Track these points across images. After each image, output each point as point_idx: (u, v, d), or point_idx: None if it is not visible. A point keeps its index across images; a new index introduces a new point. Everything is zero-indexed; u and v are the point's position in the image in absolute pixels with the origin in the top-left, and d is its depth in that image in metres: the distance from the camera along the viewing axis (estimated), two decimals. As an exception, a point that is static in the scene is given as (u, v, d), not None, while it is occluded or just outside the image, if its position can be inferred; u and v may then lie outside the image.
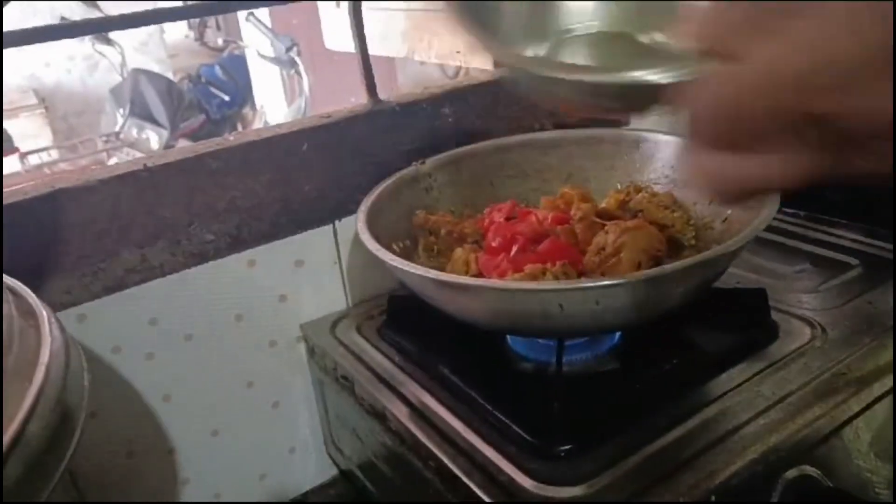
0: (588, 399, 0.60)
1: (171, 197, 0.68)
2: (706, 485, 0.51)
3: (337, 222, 0.77)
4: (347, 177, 0.77)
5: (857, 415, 0.59)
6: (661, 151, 0.76)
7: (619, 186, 0.77)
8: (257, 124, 3.17)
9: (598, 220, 0.67)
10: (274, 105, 3.09)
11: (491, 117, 0.86)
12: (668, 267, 0.52)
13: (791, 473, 0.55)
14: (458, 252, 0.66)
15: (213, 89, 3.38)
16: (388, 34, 1.18)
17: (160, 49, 3.98)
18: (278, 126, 0.75)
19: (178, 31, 4.43)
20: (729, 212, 0.67)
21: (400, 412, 0.63)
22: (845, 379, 0.60)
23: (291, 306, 0.76)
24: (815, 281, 0.75)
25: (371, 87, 0.79)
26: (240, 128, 3.38)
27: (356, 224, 0.66)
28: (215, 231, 0.71)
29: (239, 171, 0.71)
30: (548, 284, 0.51)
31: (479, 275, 0.63)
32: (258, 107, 3.30)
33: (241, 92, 3.39)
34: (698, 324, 0.68)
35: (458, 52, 1.05)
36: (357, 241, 0.77)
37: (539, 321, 0.55)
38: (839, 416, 0.58)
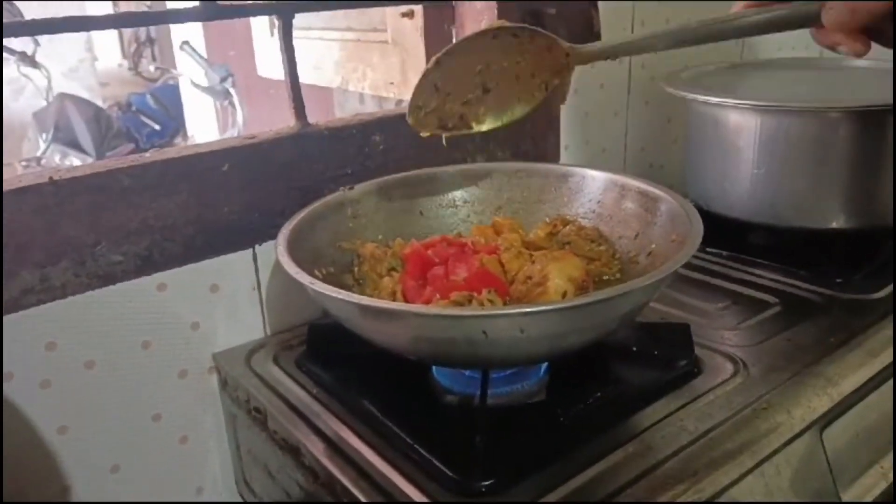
0: (512, 433, 0.58)
1: (77, 214, 0.64)
2: (628, 522, 0.50)
3: (257, 247, 0.74)
4: (270, 200, 0.74)
5: (776, 451, 0.59)
6: (587, 186, 0.76)
7: (547, 220, 0.77)
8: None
9: (525, 250, 0.66)
10: (206, 136, 3.04)
11: (422, 147, 0.85)
12: (592, 295, 0.51)
13: (712, 507, 0.54)
14: (386, 281, 0.64)
15: (143, 118, 3.30)
16: (321, 64, 1.17)
17: (90, 76, 3.87)
18: (198, 145, 0.72)
19: (111, 58, 4.34)
20: (653, 245, 0.67)
21: (315, 447, 0.59)
22: (766, 414, 0.60)
23: (204, 334, 0.72)
24: (736, 318, 0.76)
25: (299, 110, 0.77)
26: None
27: (276, 248, 0.63)
28: (124, 252, 0.67)
29: (153, 189, 0.67)
30: (472, 310, 0.50)
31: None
32: (190, 136, 3.23)
33: (173, 122, 3.32)
34: (624, 357, 0.67)
35: (391, 83, 1.04)
36: (278, 268, 0.73)
37: (464, 348, 0.53)
38: (760, 451, 0.58)
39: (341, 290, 0.53)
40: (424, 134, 0.63)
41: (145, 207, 0.67)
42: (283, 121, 0.78)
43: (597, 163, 1.05)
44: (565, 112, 0.98)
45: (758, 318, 0.75)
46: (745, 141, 0.85)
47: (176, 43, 2.93)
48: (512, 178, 0.80)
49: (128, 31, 4.40)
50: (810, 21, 0.45)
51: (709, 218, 0.90)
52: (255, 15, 0.71)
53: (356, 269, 0.70)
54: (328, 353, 0.70)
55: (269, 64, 1.25)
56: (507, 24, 0.58)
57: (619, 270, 0.69)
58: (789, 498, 0.59)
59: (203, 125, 3.07)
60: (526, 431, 0.58)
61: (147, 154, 0.69)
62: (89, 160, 2.93)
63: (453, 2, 0.94)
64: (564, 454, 0.55)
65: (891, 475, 0.67)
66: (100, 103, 3.49)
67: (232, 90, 2.61)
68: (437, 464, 0.55)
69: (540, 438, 0.58)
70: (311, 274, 0.65)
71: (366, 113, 0.84)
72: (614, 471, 0.54)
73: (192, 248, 0.70)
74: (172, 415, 0.72)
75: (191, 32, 2.86)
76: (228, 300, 0.73)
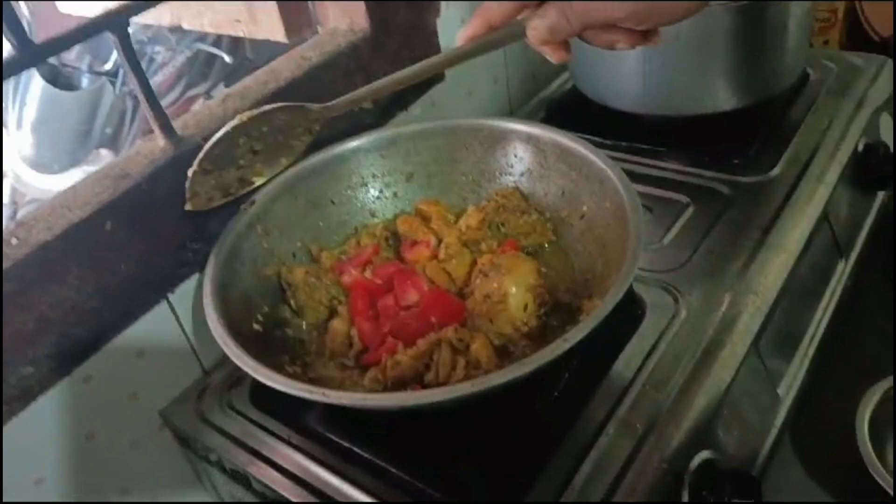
0: (500, 442, 0.60)
1: (-38, 344, 0.55)
2: (631, 507, 0.55)
3: (171, 296, 0.67)
4: (167, 240, 0.66)
5: (730, 384, 0.64)
6: (499, 140, 0.72)
7: (463, 179, 0.74)
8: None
9: (465, 249, 0.64)
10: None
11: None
12: (542, 356, 0.50)
13: (693, 463, 0.60)
14: (336, 325, 0.61)
15: None
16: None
17: None
18: (67, 208, 0.61)
19: None
20: (584, 207, 0.67)
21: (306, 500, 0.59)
22: (713, 349, 0.65)
23: (145, 401, 0.67)
24: (657, 231, 0.78)
25: (165, 127, 0.66)
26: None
27: (208, 322, 0.57)
28: (32, 360, 0.59)
29: (37, 282, 0.58)
30: (460, 389, 0.48)
31: (364, 350, 0.59)
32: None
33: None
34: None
35: (237, 21, 0.90)
36: (199, 303, 0.68)
37: (449, 407, 0.53)
38: (717, 390, 0.63)
39: (325, 391, 0.49)
40: (211, 206, 0.66)
41: (38, 304, 0.58)
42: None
43: (478, 65, 0.99)
44: (442, 24, 0.89)
45: (676, 227, 0.78)
46: (635, 39, 0.82)
47: None
48: (417, 140, 0.74)
49: None
50: (519, 38, 0.53)
51: (605, 111, 0.91)
52: (84, 39, 0.57)
53: (291, 300, 0.66)
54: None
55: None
56: (251, 114, 0.63)
57: (554, 232, 0.69)
58: (739, 414, 0.66)
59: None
60: (510, 437, 0.60)
61: (14, 241, 0.58)
62: None
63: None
64: (554, 453, 0.58)
65: (811, 351, 0.76)
66: None
67: None
68: (436, 494, 0.56)
69: (527, 440, 0.60)
70: (251, 327, 0.61)
71: (234, 95, 0.74)
72: (603, 461, 0.57)
73: (103, 324, 0.63)
74: (137, 484, 0.69)
75: None
76: (158, 359, 0.67)
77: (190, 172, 0.62)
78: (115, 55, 1.97)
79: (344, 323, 0.61)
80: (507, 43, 0.55)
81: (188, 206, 0.64)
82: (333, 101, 0.64)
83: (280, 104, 0.64)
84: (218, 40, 2.01)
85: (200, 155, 0.62)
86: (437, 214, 0.68)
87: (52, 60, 2.02)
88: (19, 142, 2.03)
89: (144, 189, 0.64)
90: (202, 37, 2.00)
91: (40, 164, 2.07)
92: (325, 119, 0.65)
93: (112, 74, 2.03)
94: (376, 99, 0.74)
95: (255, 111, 0.63)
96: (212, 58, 2.04)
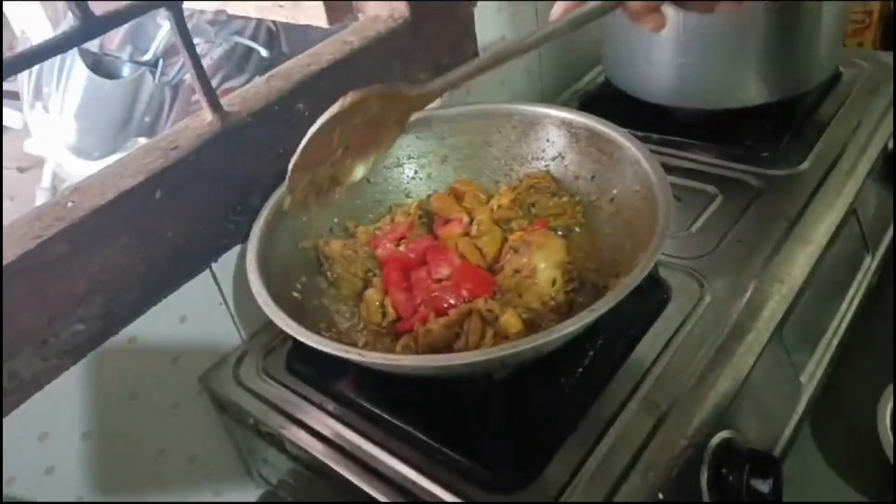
0: (522, 414, 0.61)
1: (20, 300, 0.58)
2: (651, 483, 0.56)
3: (213, 265, 0.70)
4: (212, 210, 0.69)
5: (752, 366, 0.66)
6: (533, 124, 0.74)
7: (496, 163, 0.76)
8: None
9: (496, 226, 0.66)
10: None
11: (346, 99, 0.79)
12: (585, 315, 0.52)
13: (714, 442, 0.61)
14: (371, 294, 0.63)
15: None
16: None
17: None
18: (119, 176, 0.64)
19: None
20: (614, 191, 0.68)
21: (343, 466, 0.61)
22: (737, 334, 0.66)
23: (185, 365, 0.70)
24: (685, 220, 0.80)
25: (214, 103, 0.69)
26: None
27: (252, 287, 0.60)
28: (82, 318, 0.62)
29: (89, 245, 0.61)
30: (491, 352, 0.50)
31: (397, 319, 0.61)
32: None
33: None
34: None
35: (280, 5, 0.93)
36: (240, 273, 0.71)
37: (480, 371, 0.55)
38: (739, 374, 0.64)
39: (361, 351, 0.52)
40: (307, 207, 0.61)
41: (88, 265, 0.61)
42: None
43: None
44: (478, 12, 0.92)
45: (704, 216, 0.80)
46: (668, 32, 0.83)
47: None
48: (452, 123, 0.76)
49: None
50: (609, 10, 0.53)
51: (637, 104, 0.92)
52: (141, 14, 0.61)
53: (328, 272, 0.68)
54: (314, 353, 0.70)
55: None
56: (357, 96, 0.55)
57: (583, 215, 0.71)
58: (772, 413, 0.67)
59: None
60: (534, 410, 0.62)
61: (69, 205, 0.61)
62: None
63: None
64: (576, 427, 0.60)
65: (835, 343, 0.77)
66: None
67: None
68: (464, 460, 0.58)
69: (550, 414, 0.62)
70: (290, 297, 0.64)
71: (278, 75, 0.76)
72: (624, 438, 0.58)
73: (148, 289, 0.66)
74: (175, 446, 0.72)
75: None
76: (200, 325, 0.70)
77: (290, 166, 0.57)
78: (154, 45, 2.02)
79: (378, 293, 0.63)
80: (597, 17, 0.53)
81: (285, 206, 0.60)
82: (428, 85, 0.57)
83: (377, 87, 0.56)
84: (255, 34, 2.06)
85: (300, 148, 0.57)
86: (470, 193, 0.70)
87: (94, 49, 2.08)
88: (62, 128, 2.09)
89: (192, 161, 0.67)
90: (240, 30, 2.05)
91: (81, 151, 2.13)
92: (418, 107, 0.59)
93: (152, 65, 2.08)
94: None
95: (355, 94, 0.55)
96: (248, 51, 2.08)
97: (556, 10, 0.54)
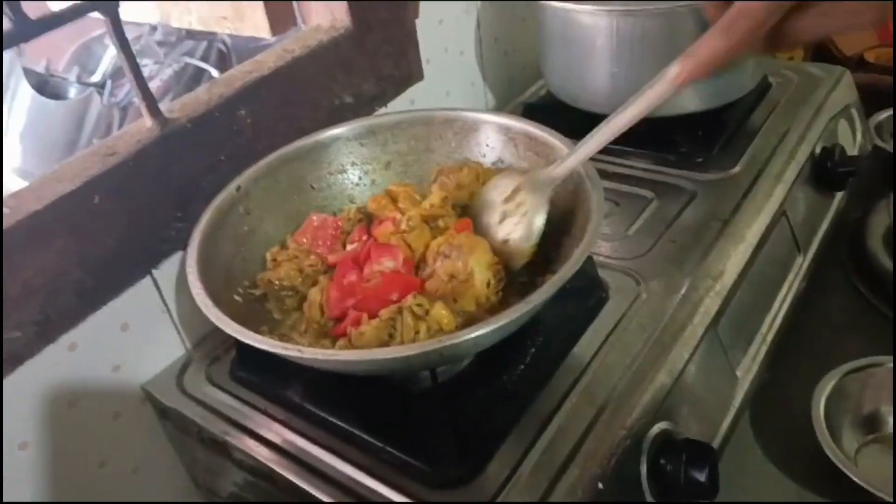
0: (465, 411, 0.62)
1: (-50, 305, 0.57)
2: (591, 473, 0.58)
3: (154, 271, 0.70)
4: (152, 217, 0.69)
5: (687, 361, 0.68)
6: (473, 130, 0.76)
7: (438, 168, 0.77)
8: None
9: (425, 225, 0.67)
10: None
11: (290, 106, 0.80)
12: (528, 302, 0.53)
13: (652, 433, 0.62)
14: (314, 293, 0.63)
15: None
16: (130, -6, 1.02)
17: None
18: (56, 181, 0.64)
19: None
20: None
21: (289, 470, 0.61)
22: (673, 329, 0.68)
23: (127, 373, 0.69)
24: (623, 224, 0.82)
25: (152, 108, 0.69)
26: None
27: (192, 290, 0.60)
28: (18, 323, 0.61)
29: (24, 247, 0.60)
30: (428, 345, 0.51)
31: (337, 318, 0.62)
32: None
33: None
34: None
35: (223, 17, 0.94)
36: (182, 279, 0.71)
37: (419, 366, 0.56)
38: (675, 367, 0.66)
39: (300, 348, 0.52)
40: None
41: (23, 269, 0.61)
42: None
43: (456, 67, 1.03)
44: (421, 24, 0.94)
45: (641, 219, 0.82)
46: (602, 43, 0.87)
47: None
48: (395, 131, 0.78)
49: None
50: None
51: (577, 114, 0.95)
52: (77, 17, 0.61)
53: (270, 276, 0.68)
54: (259, 357, 0.70)
55: None
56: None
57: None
58: (698, 392, 0.70)
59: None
60: (477, 408, 0.63)
61: (5, 211, 0.61)
62: None
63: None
64: (518, 421, 0.61)
65: (770, 338, 0.79)
66: None
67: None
68: (407, 458, 0.59)
69: (492, 410, 0.63)
70: (231, 298, 0.64)
71: (220, 82, 0.77)
72: (564, 430, 0.60)
73: (87, 294, 0.65)
74: (117, 456, 0.71)
75: None
76: (142, 333, 0.70)
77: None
78: (103, 66, 2.00)
79: (319, 293, 0.64)
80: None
81: None
82: (559, 165, 0.63)
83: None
84: (206, 55, 2.05)
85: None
86: (405, 194, 0.71)
87: (40, 70, 2.05)
88: (7, 150, 2.04)
89: (131, 166, 0.67)
90: (190, 51, 2.04)
91: (26, 173, 2.08)
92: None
93: (100, 86, 2.05)
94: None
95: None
96: (199, 72, 2.07)
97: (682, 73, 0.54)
